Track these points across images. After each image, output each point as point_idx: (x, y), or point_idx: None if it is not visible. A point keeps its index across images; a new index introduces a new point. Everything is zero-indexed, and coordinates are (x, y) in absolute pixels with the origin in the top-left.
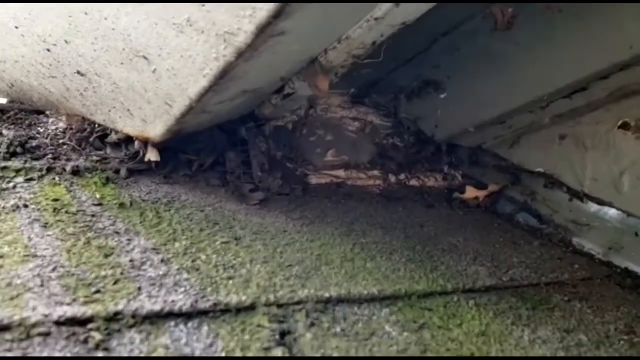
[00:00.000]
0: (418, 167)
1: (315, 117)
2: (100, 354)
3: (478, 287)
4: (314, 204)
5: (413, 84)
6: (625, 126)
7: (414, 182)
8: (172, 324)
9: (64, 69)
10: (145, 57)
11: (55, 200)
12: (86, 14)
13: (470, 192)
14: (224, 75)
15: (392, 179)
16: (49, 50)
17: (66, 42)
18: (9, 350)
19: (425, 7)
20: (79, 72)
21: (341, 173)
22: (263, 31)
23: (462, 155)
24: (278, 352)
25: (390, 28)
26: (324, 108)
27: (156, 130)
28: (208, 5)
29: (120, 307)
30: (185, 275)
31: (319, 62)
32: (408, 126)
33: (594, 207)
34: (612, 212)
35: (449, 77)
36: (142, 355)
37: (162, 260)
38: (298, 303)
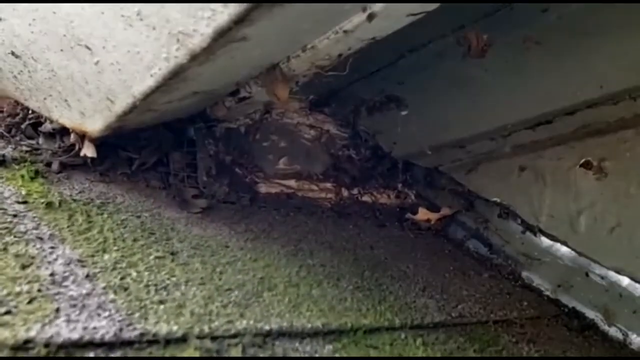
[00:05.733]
0: (372, 182)
1: (269, 122)
2: None
3: (426, 323)
4: (261, 215)
5: (375, 97)
6: (587, 165)
7: (366, 198)
8: (91, 354)
9: None
10: (87, 47)
11: None
12: None
13: (423, 214)
14: (174, 77)
15: (345, 193)
16: None
17: (0, 19)
18: None
19: (398, 25)
20: (13, 53)
21: (292, 183)
22: (222, 36)
23: (418, 174)
24: None
25: (359, 42)
26: (280, 112)
27: (95, 125)
28: None
29: (32, 334)
30: (112, 296)
31: (280, 69)
32: (365, 139)
33: (546, 241)
34: (564, 249)
35: (413, 94)
36: None
37: (87, 276)
38: (234, 336)
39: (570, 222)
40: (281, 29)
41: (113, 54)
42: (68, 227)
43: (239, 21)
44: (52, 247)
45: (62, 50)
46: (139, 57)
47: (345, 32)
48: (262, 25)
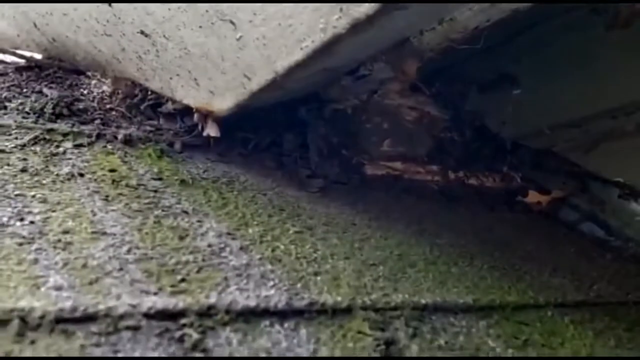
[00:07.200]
0: (477, 164)
1: (372, 103)
2: (197, 354)
3: (568, 301)
4: (374, 196)
5: (486, 76)
6: None
7: (472, 181)
8: (267, 322)
9: (124, 27)
10: (232, 22)
11: (112, 170)
12: None
13: (533, 196)
14: (325, 50)
15: (451, 175)
16: (110, 5)
17: None
18: (97, 345)
19: None
20: (142, 32)
21: (398, 165)
22: (392, 2)
23: (525, 156)
24: None
25: (500, 13)
26: (382, 93)
27: (224, 103)
28: None
29: (212, 300)
30: (270, 267)
31: (411, 44)
32: (470, 120)
33: None
34: None
35: (528, 72)
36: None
37: (241, 248)
38: (394, 308)
39: None
40: None
41: (260, 28)
42: (206, 202)
43: None
44: (199, 221)
45: (200, 26)
46: (291, 30)
47: (490, 2)
48: None
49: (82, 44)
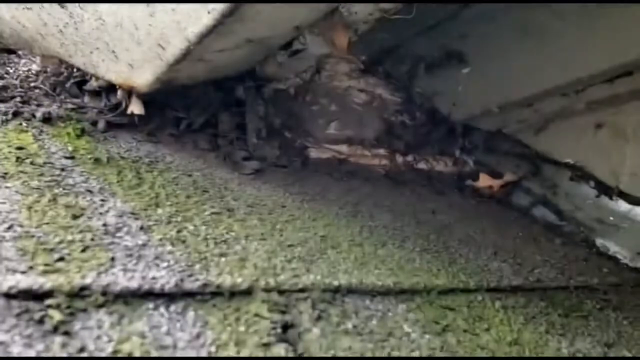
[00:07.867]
0: (427, 148)
1: (319, 85)
2: (58, 338)
3: (503, 286)
4: (314, 179)
5: (434, 54)
6: None
7: (421, 165)
8: (151, 305)
9: None
10: None
11: (20, 148)
12: None
13: (484, 181)
14: (233, 13)
15: (399, 159)
16: None
17: None
18: None
19: None
20: (59, 3)
21: (344, 148)
22: None
23: (477, 139)
24: (279, 349)
25: None
26: (330, 75)
27: (143, 77)
28: None
29: (87, 281)
30: (169, 248)
31: (340, 14)
32: (420, 102)
33: (623, 206)
34: None
35: (476, 49)
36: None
37: (142, 228)
38: (302, 290)
39: None
40: None
41: None
42: (117, 182)
43: None
44: (102, 200)
45: None
46: None
47: None
48: None
49: (6, 20)
